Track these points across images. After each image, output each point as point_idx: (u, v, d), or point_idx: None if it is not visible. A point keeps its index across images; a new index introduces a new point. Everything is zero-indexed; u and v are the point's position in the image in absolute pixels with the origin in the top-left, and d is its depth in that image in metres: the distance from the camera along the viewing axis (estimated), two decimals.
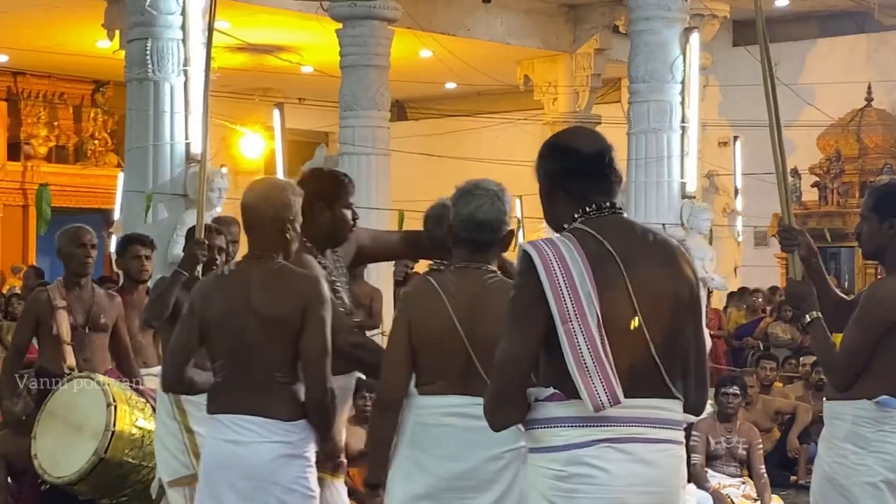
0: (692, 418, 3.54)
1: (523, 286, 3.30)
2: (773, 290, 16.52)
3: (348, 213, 4.87)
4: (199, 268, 5.90)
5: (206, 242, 5.92)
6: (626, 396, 3.22)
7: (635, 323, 3.26)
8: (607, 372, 3.19)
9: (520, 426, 3.40)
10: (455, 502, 4.12)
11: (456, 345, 4.12)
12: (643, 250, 3.35)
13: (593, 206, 3.38)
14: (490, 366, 3.44)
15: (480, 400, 3.43)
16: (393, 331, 4.26)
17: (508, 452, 4.12)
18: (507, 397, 3.31)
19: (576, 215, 3.39)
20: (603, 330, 3.22)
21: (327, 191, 4.87)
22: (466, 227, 4.24)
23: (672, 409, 3.34)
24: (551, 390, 3.30)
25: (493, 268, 4.28)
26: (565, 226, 3.41)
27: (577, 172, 3.40)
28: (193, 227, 6.11)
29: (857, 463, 4.59)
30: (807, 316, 4.60)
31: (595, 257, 3.27)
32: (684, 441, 3.43)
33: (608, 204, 3.39)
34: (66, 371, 6.40)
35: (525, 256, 3.30)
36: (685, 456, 3.44)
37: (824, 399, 4.92)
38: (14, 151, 20.66)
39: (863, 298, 4.68)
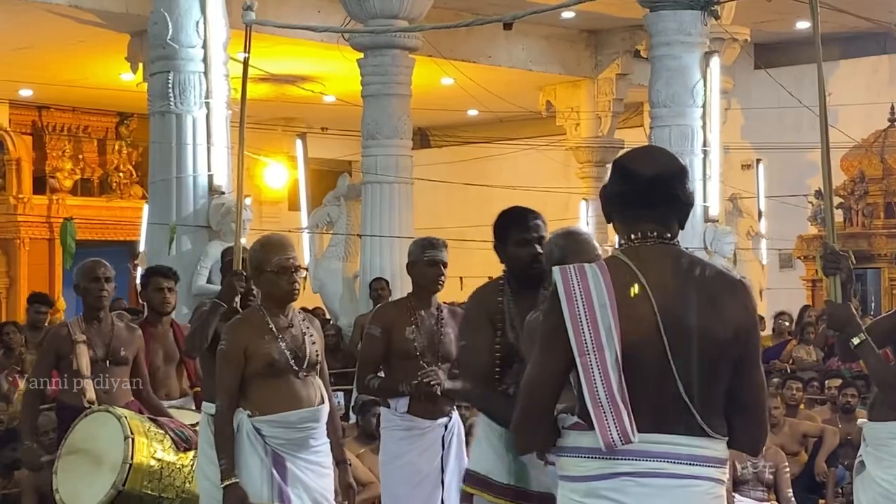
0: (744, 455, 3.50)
1: (550, 312, 3.23)
2: (804, 309, 16.37)
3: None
4: (238, 299, 5.94)
5: (245, 273, 5.93)
6: (650, 431, 3.15)
7: (635, 291, 3.15)
8: (620, 410, 3.11)
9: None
10: None
11: None
12: (683, 285, 3.20)
13: (638, 234, 3.25)
14: None
15: None
16: None
17: None
18: (528, 422, 3.27)
19: (621, 241, 3.29)
20: (620, 365, 3.12)
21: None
22: None
23: (705, 446, 3.21)
24: (575, 418, 3.25)
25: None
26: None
27: (630, 198, 3.28)
28: (231, 259, 6.14)
29: None
30: (854, 339, 4.63)
31: (624, 289, 3.17)
32: (722, 479, 3.26)
33: (655, 233, 3.25)
34: (86, 405, 6.41)
35: (553, 282, 3.22)
36: (722, 495, 3.26)
37: (868, 420, 4.95)
38: (39, 185, 20.79)
39: None
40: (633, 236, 3.26)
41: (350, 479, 5.67)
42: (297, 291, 5.29)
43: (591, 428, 3.15)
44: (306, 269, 5.46)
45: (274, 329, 5.21)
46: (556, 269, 3.22)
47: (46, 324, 13.49)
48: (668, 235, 3.27)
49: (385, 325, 6.19)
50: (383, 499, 6.32)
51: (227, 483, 5.11)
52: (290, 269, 5.21)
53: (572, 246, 4.72)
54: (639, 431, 3.13)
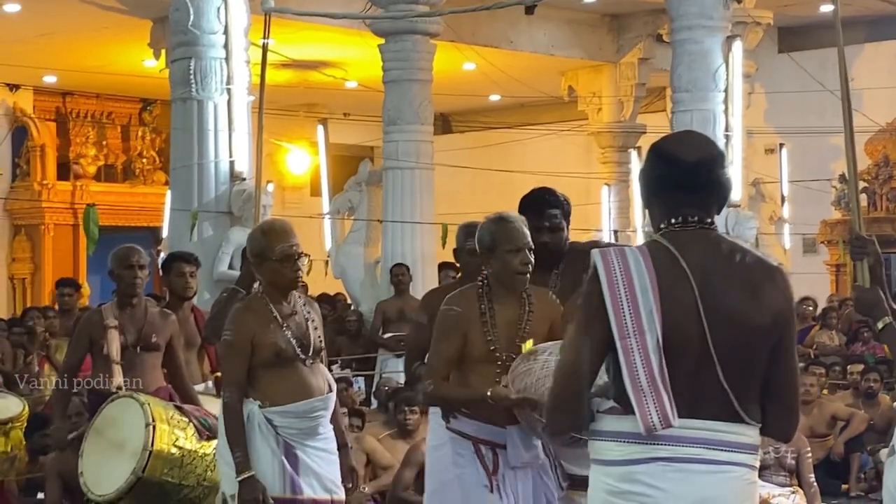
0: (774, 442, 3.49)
1: (589, 294, 3.21)
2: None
3: None
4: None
5: None
6: (688, 417, 3.14)
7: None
8: (661, 394, 3.10)
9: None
10: None
11: None
12: (723, 270, 3.19)
13: (679, 218, 3.24)
14: None
15: None
16: None
17: None
18: (562, 404, 3.25)
19: (661, 226, 3.27)
20: (662, 349, 3.11)
21: None
22: None
23: (740, 432, 3.20)
24: (611, 402, 3.23)
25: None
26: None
27: (671, 182, 3.25)
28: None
29: None
30: (879, 322, 4.62)
31: (665, 273, 3.16)
32: (755, 465, 3.26)
33: (696, 218, 3.24)
34: (114, 390, 6.44)
35: (593, 265, 3.20)
36: (755, 481, 3.27)
37: None
38: (63, 171, 20.87)
39: None
40: (673, 221, 3.25)
41: (352, 463, 5.66)
42: (300, 279, 5.24)
43: (629, 412, 3.14)
44: (308, 256, 5.37)
45: (279, 318, 5.17)
46: (595, 252, 3.22)
47: (77, 308, 13.62)
48: (709, 220, 3.26)
49: (432, 313, 5.95)
50: (429, 483, 6.20)
51: (244, 476, 5.07)
52: (293, 258, 5.15)
53: (502, 232, 4.79)
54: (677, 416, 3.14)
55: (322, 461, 5.25)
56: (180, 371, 6.76)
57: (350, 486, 5.57)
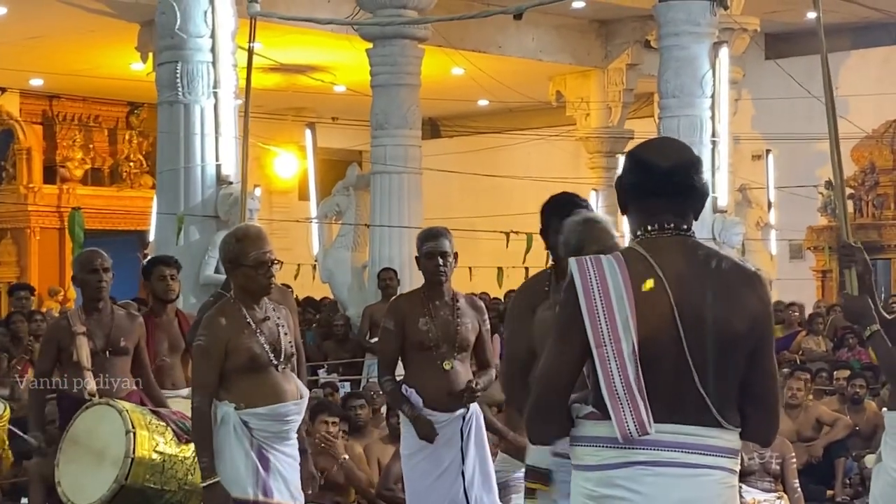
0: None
1: (565, 303, 3.22)
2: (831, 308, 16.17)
3: None
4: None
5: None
6: (666, 422, 3.15)
7: (649, 284, 3.14)
8: (637, 401, 3.11)
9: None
10: None
11: None
12: (699, 276, 3.19)
13: (655, 225, 3.24)
14: None
15: None
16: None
17: None
18: (543, 412, 3.25)
19: (638, 233, 3.27)
20: (637, 357, 3.12)
21: None
22: None
23: (718, 437, 3.21)
24: (590, 408, 3.24)
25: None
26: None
27: (647, 189, 3.26)
28: None
29: None
30: (867, 329, 4.66)
31: (640, 280, 3.16)
32: (734, 468, 3.27)
33: (672, 224, 3.25)
34: (87, 397, 6.39)
35: (570, 273, 3.21)
36: (735, 484, 3.28)
37: (885, 410, 5.02)
38: (50, 175, 20.85)
39: None
40: (649, 227, 3.25)
41: (312, 469, 5.67)
42: (273, 285, 5.28)
43: (606, 417, 3.16)
44: (281, 263, 5.40)
45: (252, 323, 5.19)
46: (572, 260, 3.22)
47: (56, 313, 13.58)
48: (685, 227, 3.27)
49: (398, 319, 6.22)
50: (406, 492, 6.39)
51: (209, 482, 5.07)
52: (267, 264, 5.19)
53: (590, 233, 4.64)
54: (654, 422, 3.14)
55: (290, 467, 5.26)
56: (146, 372, 6.75)
57: (310, 492, 5.58)
